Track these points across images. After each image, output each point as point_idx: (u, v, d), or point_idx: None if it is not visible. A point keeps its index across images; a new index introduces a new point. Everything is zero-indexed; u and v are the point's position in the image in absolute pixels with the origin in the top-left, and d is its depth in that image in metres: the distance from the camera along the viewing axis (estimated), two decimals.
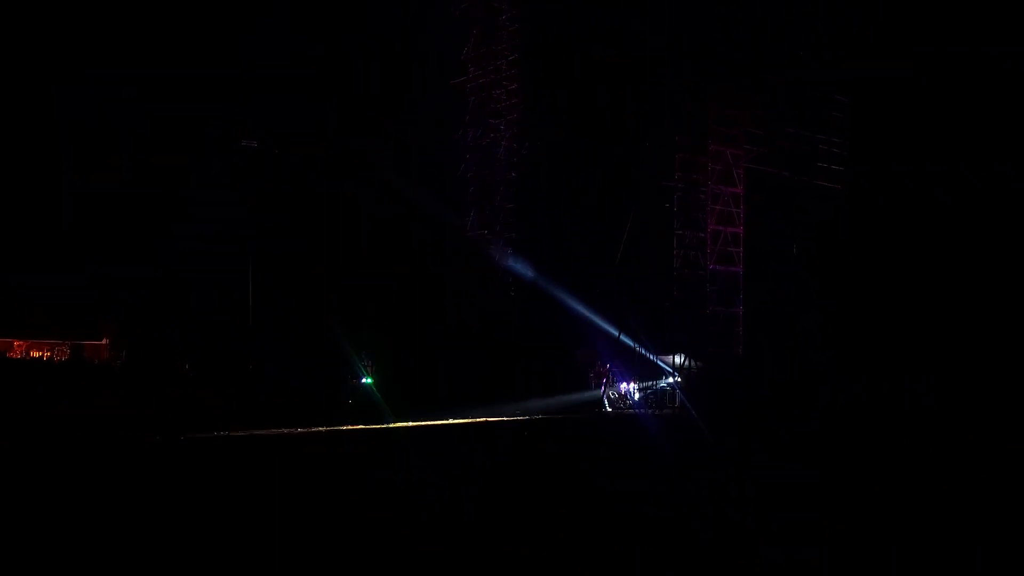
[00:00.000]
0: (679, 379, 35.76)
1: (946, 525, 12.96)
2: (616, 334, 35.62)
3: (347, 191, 40.64)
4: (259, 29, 40.16)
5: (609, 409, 38.37)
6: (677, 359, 35.65)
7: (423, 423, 28.74)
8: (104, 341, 37.85)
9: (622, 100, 36.53)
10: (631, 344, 35.75)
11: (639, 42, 35.45)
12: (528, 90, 37.08)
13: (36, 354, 37.66)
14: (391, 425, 28.36)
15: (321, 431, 26.16)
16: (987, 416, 27.39)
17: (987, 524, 13.02)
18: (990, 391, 29.24)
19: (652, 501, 15.15)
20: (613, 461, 21.04)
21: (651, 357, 37.49)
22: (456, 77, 38.69)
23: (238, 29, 40.29)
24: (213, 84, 39.82)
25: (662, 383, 38.11)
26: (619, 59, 34.66)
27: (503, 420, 31.32)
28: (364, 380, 41.39)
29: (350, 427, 27.34)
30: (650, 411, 35.92)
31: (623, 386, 38.99)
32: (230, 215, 39.62)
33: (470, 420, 30.74)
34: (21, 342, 38.43)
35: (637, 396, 38.06)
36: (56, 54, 39.69)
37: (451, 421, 29.68)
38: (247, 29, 40.16)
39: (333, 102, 40.24)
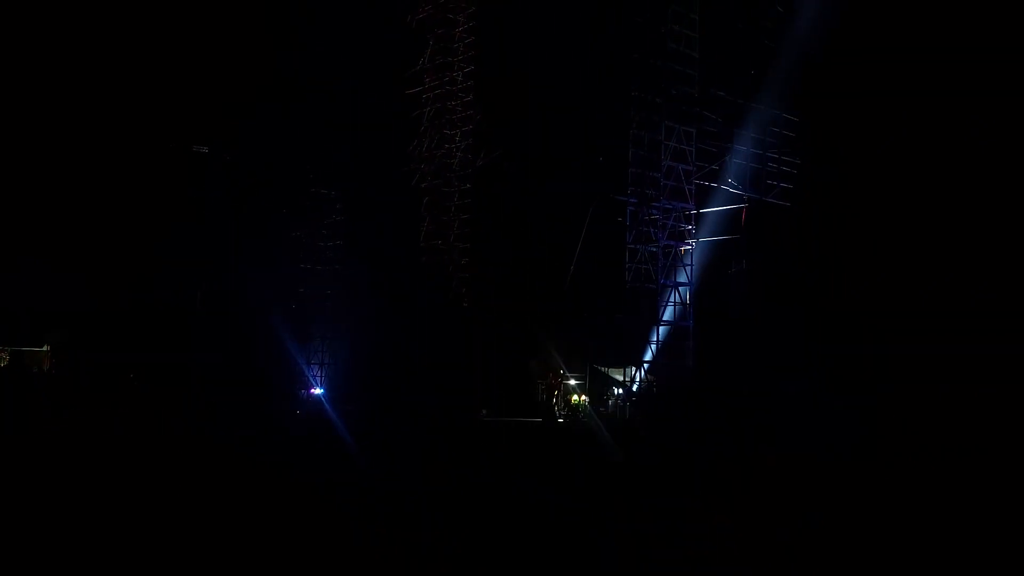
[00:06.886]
0: (630, 392, 35.89)
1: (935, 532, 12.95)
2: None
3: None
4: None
5: (560, 420, 38.39)
6: (627, 372, 35.80)
7: None
8: (45, 348, 36.95)
9: (575, 113, 36.83)
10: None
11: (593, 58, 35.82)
12: (483, 102, 37.16)
13: None
14: None
15: None
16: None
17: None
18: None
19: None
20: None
21: (601, 370, 37.64)
22: (411, 87, 38.64)
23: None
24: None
25: (613, 395, 38.23)
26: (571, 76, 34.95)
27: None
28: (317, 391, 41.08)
29: None
30: (602, 421, 36.02)
31: (574, 398, 39.05)
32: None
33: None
34: None
35: (588, 407, 38.12)
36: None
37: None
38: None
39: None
